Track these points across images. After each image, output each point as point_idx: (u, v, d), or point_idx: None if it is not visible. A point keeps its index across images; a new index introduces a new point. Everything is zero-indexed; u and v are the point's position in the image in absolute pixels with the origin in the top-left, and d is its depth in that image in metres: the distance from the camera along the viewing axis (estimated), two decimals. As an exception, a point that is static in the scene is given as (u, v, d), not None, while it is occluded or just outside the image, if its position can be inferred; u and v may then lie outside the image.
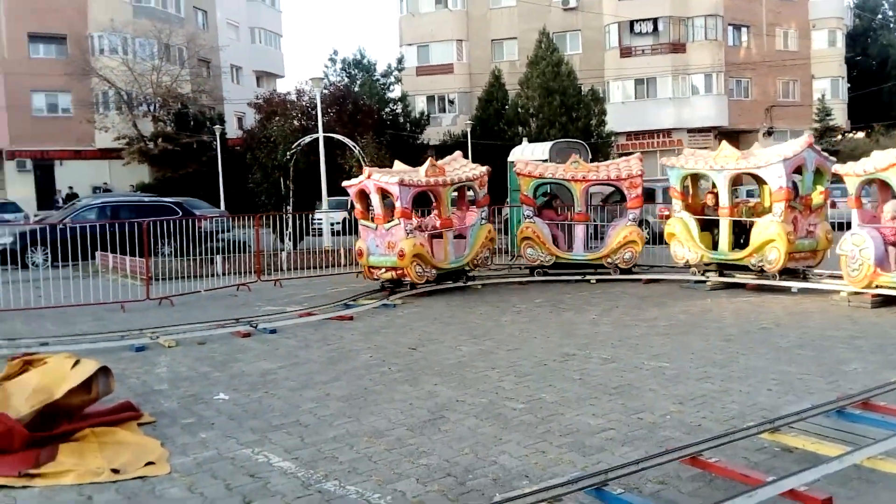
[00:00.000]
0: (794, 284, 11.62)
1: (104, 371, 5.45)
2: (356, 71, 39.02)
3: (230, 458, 4.87)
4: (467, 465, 4.66)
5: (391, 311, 10.84)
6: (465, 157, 34.55)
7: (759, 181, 12.78)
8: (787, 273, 11.84)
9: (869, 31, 51.14)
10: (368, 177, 12.39)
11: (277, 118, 22.12)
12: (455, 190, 13.63)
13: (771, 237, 11.53)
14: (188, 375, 7.20)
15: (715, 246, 12.49)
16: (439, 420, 5.58)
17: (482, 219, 13.52)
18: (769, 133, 41.73)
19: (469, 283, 13.39)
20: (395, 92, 40.93)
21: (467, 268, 13.45)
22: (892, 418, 4.91)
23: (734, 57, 42.06)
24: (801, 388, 6.19)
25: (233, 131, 41.02)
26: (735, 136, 40.09)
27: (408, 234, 12.17)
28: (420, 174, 12.84)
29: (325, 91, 28.90)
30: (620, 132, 39.21)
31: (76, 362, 5.44)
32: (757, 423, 4.89)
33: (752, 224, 12.08)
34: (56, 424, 5.20)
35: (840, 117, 43.52)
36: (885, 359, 7.12)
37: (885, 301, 10.04)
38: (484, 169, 13.85)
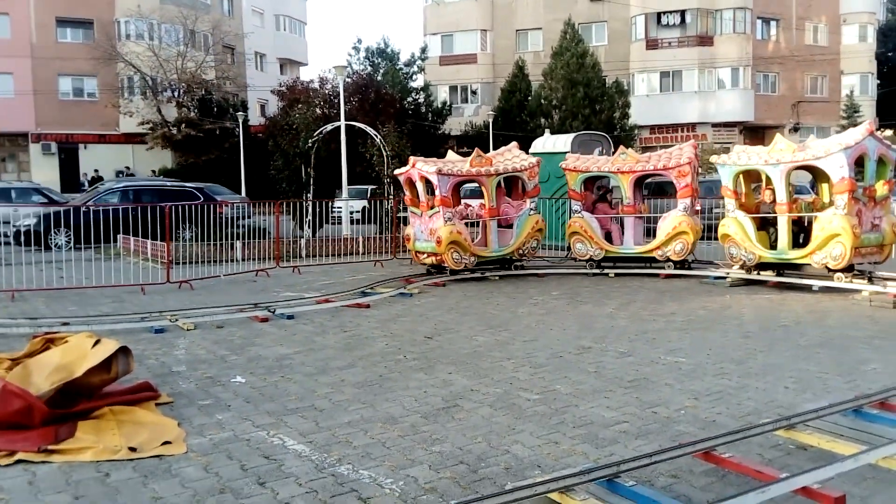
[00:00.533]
0: (816, 283, 11.48)
1: (124, 351, 5.53)
2: (379, 60, 39.03)
3: (246, 440, 4.93)
4: (480, 453, 4.67)
5: (408, 300, 10.87)
6: (486, 148, 34.70)
7: (818, 174, 12.23)
8: (850, 271, 11.08)
9: (901, 27, 50.25)
10: (413, 165, 12.93)
11: (300, 105, 22.14)
12: (506, 180, 13.89)
13: (835, 231, 10.83)
14: (206, 358, 7.28)
15: (773, 246, 11.88)
16: (453, 408, 5.60)
17: (531, 209, 13.63)
18: (795, 129, 41.20)
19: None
20: (418, 81, 40.95)
21: (514, 257, 13.63)
22: (910, 418, 4.86)
23: (762, 51, 41.52)
24: (819, 386, 6.14)
25: (255, 118, 41.26)
26: (760, 132, 39.67)
27: (446, 221, 12.57)
28: (465, 164, 13.17)
29: (348, 79, 28.94)
30: (644, 125, 38.91)
31: (97, 342, 5.52)
32: (773, 420, 4.86)
33: (811, 221, 11.46)
34: (75, 402, 5.28)
35: (868, 114, 42.81)
36: (907, 359, 7.04)
37: (907, 301, 9.93)
38: (534, 160, 13.97)
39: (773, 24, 42.23)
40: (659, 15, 40.40)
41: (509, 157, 13.87)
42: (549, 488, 3.75)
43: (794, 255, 11.53)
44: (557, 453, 4.67)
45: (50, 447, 4.69)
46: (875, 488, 4.12)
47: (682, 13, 40.19)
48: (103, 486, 4.24)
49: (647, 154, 14.40)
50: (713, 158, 12.94)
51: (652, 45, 40.81)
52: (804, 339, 7.94)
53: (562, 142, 18.45)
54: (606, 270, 13.58)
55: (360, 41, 41.05)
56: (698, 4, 39.78)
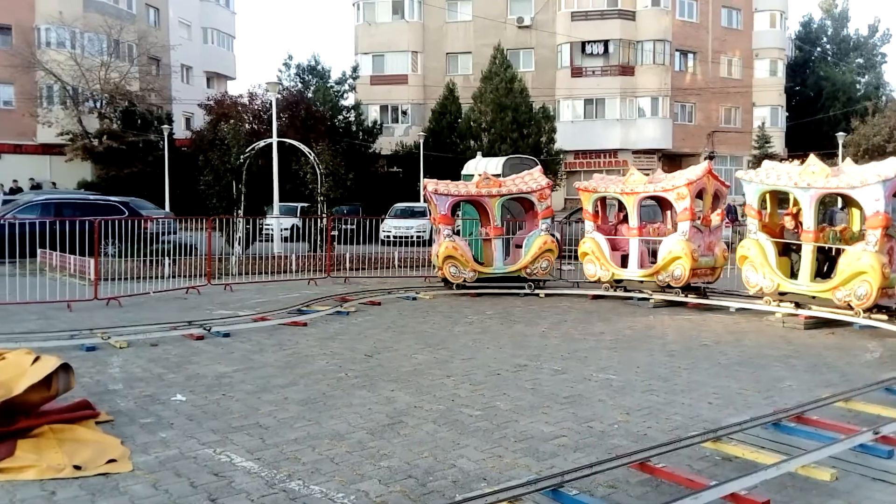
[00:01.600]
0: (733, 304, 12.11)
1: (64, 368, 5.45)
2: (310, 77, 39.00)
3: (192, 458, 4.94)
4: (427, 467, 4.83)
5: (345, 319, 10.93)
6: (417, 168, 34.94)
7: (850, 203, 11.37)
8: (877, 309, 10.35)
9: (808, 63, 53.28)
10: (424, 187, 14.41)
11: (231, 121, 21.94)
12: (521, 201, 14.68)
13: (862, 269, 10.05)
14: (142, 376, 7.19)
15: (794, 274, 11.21)
16: (398, 424, 5.73)
17: (543, 230, 14.05)
18: (710, 157, 43.00)
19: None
20: (349, 100, 41.01)
21: (521, 275, 14.11)
22: (823, 431, 5.27)
23: (680, 82, 43.37)
24: (740, 401, 6.54)
25: (180, 132, 40.44)
26: (678, 160, 41.31)
27: (445, 237, 13.71)
28: (471, 186, 14.31)
29: (279, 96, 28.79)
30: (569, 150, 39.99)
31: (36, 358, 5.42)
32: (700, 433, 5.19)
33: (838, 252, 10.74)
34: (14, 420, 5.17)
35: (778, 145, 45.15)
36: (818, 377, 7.55)
37: (816, 323, 10.58)
38: (544, 181, 14.45)
39: (690, 56, 44.20)
40: (584, 44, 41.76)
41: (520, 180, 14.45)
42: (499, 498, 3.93)
43: (817, 289, 10.73)
44: (501, 466, 4.86)
45: (-10, 466, 4.60)
46: (794, 495, 4.47)
47: (606, 43, 41.67)
48: (50, 504, 4.20)
49: (660, 175, 13.95)
50: (738, 174, 12.34)
51: (577, 72, 42.10)
52: (724, 358, 8.40)
53: (493, 164, 18.85)
54: (538, 291, 13.96)
55: (290, 57, 40.82)
56: (621, 35, 41.33)
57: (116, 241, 14.88)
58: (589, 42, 41.72)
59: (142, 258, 14.52)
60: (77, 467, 4.66)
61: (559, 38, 41.93)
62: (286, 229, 22.30)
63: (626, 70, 41.76)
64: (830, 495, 4.52)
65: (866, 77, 54.54)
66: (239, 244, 17.48)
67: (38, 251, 15.91)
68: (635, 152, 41.45)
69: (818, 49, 54.94)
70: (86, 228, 13.41)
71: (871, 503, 4.44)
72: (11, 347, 7.15)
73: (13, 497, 4.27)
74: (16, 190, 32.96)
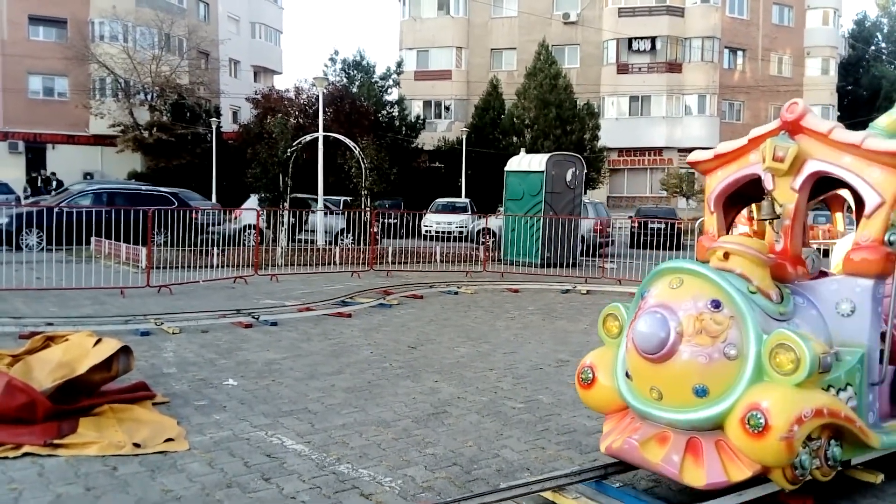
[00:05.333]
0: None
1: (125, 350, 5.67)
2: (355, 72, 39.33)
3: (245, 439, 5.11)
4: (471, 456, 4.93)
5: (388, 311, 11.09)
6: (458, 164, 35.01)
7: None
8: None
9: (862, 62, 52.06)
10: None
11: (279, 115, 22.30)
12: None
13: None
14: (195, 361, 7.42)
15: None
16: (442, 414, 5.84)
17: None
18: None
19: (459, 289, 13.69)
20: (393, 95, 41.28)
21: None
22: None
23: (728, 80, 42.74)
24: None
25: (228, 125, 41.18)
26: (725, 158, 40.70)
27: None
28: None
29: (325, 91, 29.16)
30: (613, 148, 39.74)
31: (98, 340, 5.66)
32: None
33: None
34: (76, 399, 5.40)
35: (828, 145, 44.30)
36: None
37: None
38: None
39: (739, 54, 43.52)
40: (630, 41, 41.41)
41: None
42: (544, 487, 4.02)
43: None
44: (544, 458, 4.94)
45: (55, 441, 4.82)
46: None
47: (653, 40, 41.26)
48: (112, 478, 4.39)
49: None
50: None
51: (623, 69, 41.77)
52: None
53: (537, 161, 18.89)
54: (579, 288, 13.95)
55: (336, 53, 41.38)
56: (669, 32, 40.87)
57: (165, 231, 15.27)
58: (636, 38, 41.37)
59: (191, 248, 14.87)
60: (136, 445, 4.86)
61: (605, 34, 41.63)
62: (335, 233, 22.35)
63: (674, 67, 41.31)
64: (877, 497, 4.50)
65: (923, 76, 53.08)
66: (285, 236, 17.79)
67: (93, 239, 16.38)
68: (680, 150, 40.98)
69: (872, 47, 53.61)
70: (139, 217, 13.80)
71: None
72: (71, 331, 7.45)
73: (77, 471, 4.49)
74: (46, 180, 33.48)
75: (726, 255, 4.13)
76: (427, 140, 40.09)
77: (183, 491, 4.23)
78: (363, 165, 18.73)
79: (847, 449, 3.97)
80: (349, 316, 10.42)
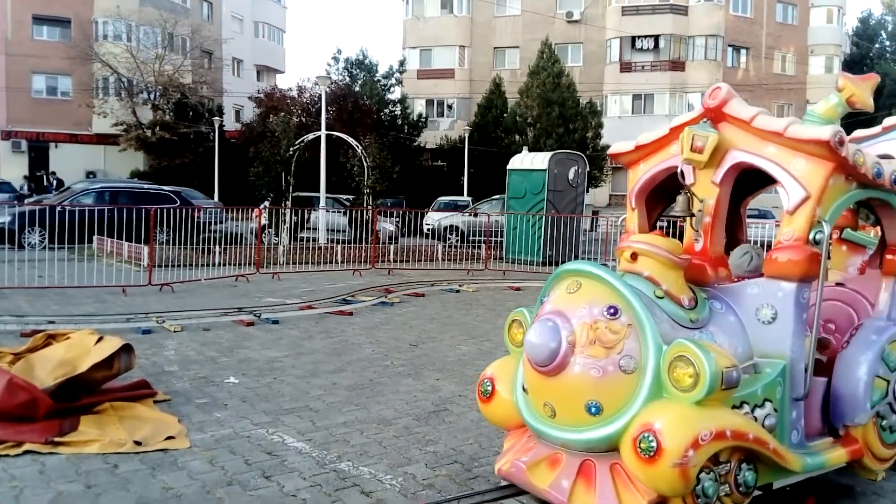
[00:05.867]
0: None
1: (126, 348, 5.68)
2: (358, 71, 39.33)
3: (246, 437, 5.11)
4: (472, 453, 4.92)
5: (389, 309, 11.08)
6: (461, 162, 34.98)
7: None
8: None
9: (866, 60, 51.92)
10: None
11: (282, 114, 22.32)
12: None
13: None
14: (197, 359, 7.42)
15: None
16: (443, 412, 5.84)
17: None
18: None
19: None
20: (395, 94, 41.29)
21: None
22: None
23: (732, 78, 42.62)
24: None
25: (230, 124, 41.19)
26: (728, 157, 40.65)
27: None
28: None
29: (328, 90, 29.19)
30: (616, 146, 39.66)
31: (99, 339, 5.66)
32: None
33: None
34: (77, 397, 5.41)
35: (832, 143, 44.19)
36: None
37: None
38: None
39: (743, 52, 43.44)
40: (633, 39, 41.35)
41: None
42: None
43: None
44: (545, 456, 4.93)
45: (56, 439, 4.83)
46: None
47: (656, 38, 41.19)
48: (113, 476, 4.40)
49: None
50: None
51: (626, 68, 41.72)
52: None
53: (539, 159, 18.87)
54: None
55: (339, 51, 41.32)
56: (672, 30, 40.81)
57: (167, 229, 15.27)
58: (639, 37, 41.30)
59: (193, 246, 14.88)
60: (137, 443, 4.87)
61: (609, 32, 41.58)
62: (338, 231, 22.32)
63: (677, 65, 41.24)
64: (877, 493, 4.49)
65: (927, 75, 52.92)
66: (286, 234, 17.79)
67: (95, 237, 16.40)
68: (683, 149, 40.89)
69: (877, 45, 53.49)
70: (141, 216, 13.81)
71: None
72: (73, 329, 7.46)
73: (78, 469, 4.49)
74: (35, 178, 33.31)
75: (634, 256, 3.78)
76: (429, 139, 40.08)
77: (184, 489, 4.23)
78: (366, 164, 18.73)
79: (764, 473, 3.57)
80: (351, 314, 10.42)
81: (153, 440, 4.93)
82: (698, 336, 3.54)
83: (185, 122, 36.10)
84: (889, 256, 4.35)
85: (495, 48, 44.74)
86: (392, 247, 17.30)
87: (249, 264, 14.92)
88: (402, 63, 41.34)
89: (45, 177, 34.86)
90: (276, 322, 9.52)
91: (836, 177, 3.72)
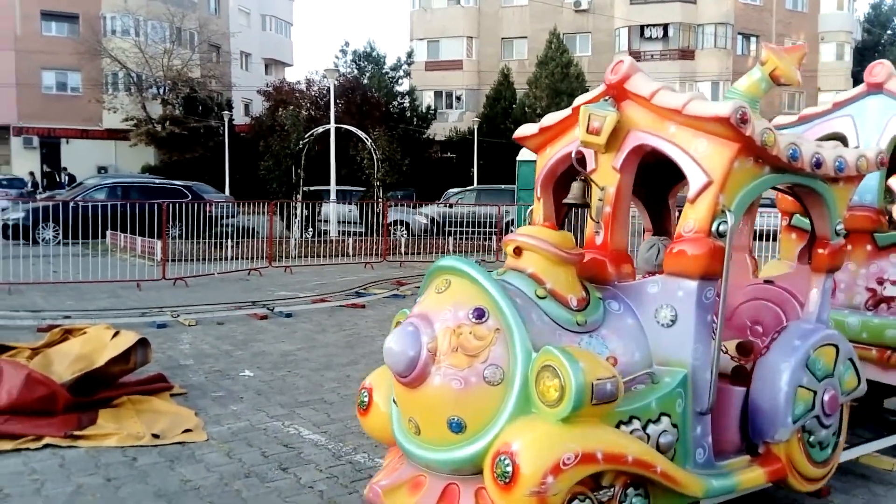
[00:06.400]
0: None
1: (142, 343, 5.73)
2: (366, 63, 39.32)
3: (262, 429, 5.16)
4: (487, 445, 4.94)
5: (402, 302, 11.10)
6: (470, 154, 34.95)
7: None
8: None
9: (878, 47, 51.50)
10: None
11: (291, 107, 22.36)
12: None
13: None
14: (211, 353, 7.48)
15: None
16: (457, 404, 5.86)
17: None
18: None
19: None
20: (404, 86, 41.24)
21: None
22: None
23: (742, 66, 42.30)
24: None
25: (239, 117, 41.29)
26: (739, 145, 40.48)
27: None
28: None
29: (336, 82, 29.20)
30: (625, 136, 39.53)
31: (116, 333, 5.72)
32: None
33: None
34: (95, 391, 5.47)
35: (843, 131, 43.93)
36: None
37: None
38: None
39: (753, 40, 43.13)
40: (642, 28, 41.12)
41: None
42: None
43: None
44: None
45: (75, 433, 4.89)
46: (856, 483, 4.45)
47: (665, 27, 40.95)
48: (132, 469, 4.45)
49: None
50: None
51: (634, 57, 41.19)
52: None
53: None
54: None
55: (347, 44, 41.41)
56: (681, 19, 40.55)
57: (180, 224, 15.35)
58: (648, 26, 41.05)
59: (205, 240, 14.96)
60: (155, 436, 4.92)
61: (617, 21, 41.35)
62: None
63: (686, 54, 40.99)
64: (893, 484, 4.50)
65: (939, 61, 52.49)
66: (300, 228, 17.86)
67: (108, 233, 16.50)
68: (693, 138, 40.73)
69: (889, 32, 53.01)
70: (153, 211, 13.88)
71: (937, 492, 4.40)
72: (89, 324, 7.53)
73: (98, 461, 4.54)
74: (47, 177, 33.38)
75: (518, 251, 3.37)
76: (438, 130, 40.02)
77: (201, 481, 4.28)
78: (375, 157, 18.75)
79: (659, 498, 3.12)
80: (363, 307, 10.46)
81: (171, 433, 4.98)
82: (586, 341, 3.17)
83: (195, 116, 36.22)
84: (820, 251, 3.89)
85: (503, 39, 44.58)
86: (403, 239, 17.31)
87: (262, 258, 14.99)
88: (409, 55, 41.29)
89: (55, 173, 35.07)
90: (289, 315, 9.57)
91: (742, 160, 3.28)
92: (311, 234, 18.19)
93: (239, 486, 4.23)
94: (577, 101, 3.68)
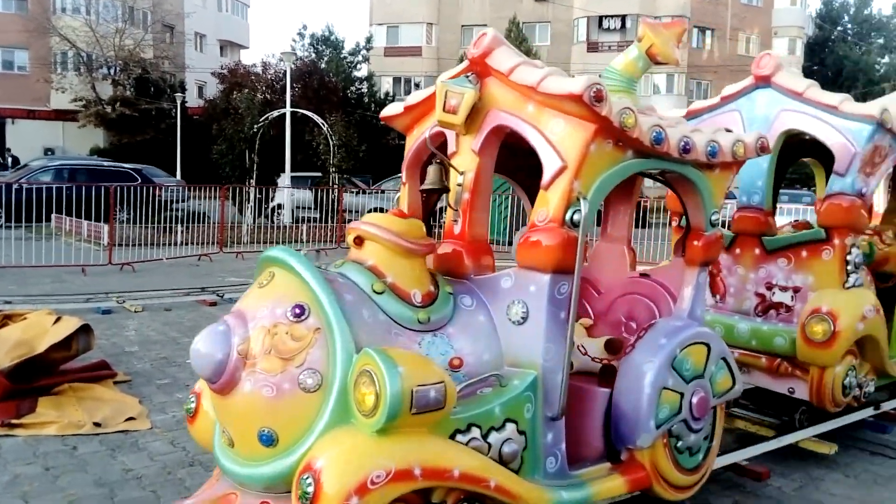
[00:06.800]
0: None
1: (85, 329, 5.59)
2: (324, 47, 38.86)
3: (208, 418, 5.07)
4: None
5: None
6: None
7: None
8: None
9: (828, 43, 52.69)
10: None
11: (245, 90, 21.99)
12: None
13: None
14: (158, 339, 7.34)
15: None
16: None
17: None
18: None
19: None
20: (362, 71, 40.88)
21: None
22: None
23: (697, 59, 42.99)
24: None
25: (193, 100, 40.48)
26: (692, 137, 41.12)
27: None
28: None
29: (293, 66, 28.76)
30: (582, 126, 39.86)
31: (57, 319, 5.57)
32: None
33: None
34: (36, 378, 5.32)
35: (793, 125, 44.91)
36: None
37: None
38: None
39: (708, 33, 43.77)
40: (601, 18, 41.41)
41: None
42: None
43: None
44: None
45: (13, 421, 4.76)
46: (796, 466, 4.58)
47: (623, 18, 41.30)
48: (72, 458, 4.35)
49: None
50: None
51: (593, 47, 41.79)
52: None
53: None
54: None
55: (305, 27, 40.89)
56: (639, 10, 40.91)
57: (129, 208, 15.02)
58: (606, 17, 41.35)
59: (154, 225, 14.67)
60: (97, 424, 4.82)
61: (576, 11, 41.57)
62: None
63: (643, 46, 41.43)
64: (829, 468, 4.64)
65: (887, 59, 53.90)
66: (251, 213, 17.62)
67: (53, 216, 16.07)
68: (649, 129, 41.24)
69: (839, 28, 54.28)
70: (100, 194, 13.55)
71: (868, 475, 4.55)
72: (30, 309, 7.32)
73: (36, 451, 4.43)
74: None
75: (359, 241, 3.05)
76: (397, 117, 39.78)
77: (144, 470, 4.21)
78: (332, 142, 18.57)
79: None
80: (316, 294, 10.35)
81: (113, 421, 4.88)
82: (428, 341, 2.91)
83: (147, 98, 35.37)
84: (695, 243, 3.61)
85: (463, 26, 44.45)
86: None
87: (213, 243, 14.76)
88: (368, 40, 40.92)
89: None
90: (239, 302, 9.43)
91: (599, 142, 2.98)
92: (265, 218, 17.96)
93: (182, 474, 4.17)
94: (442, 77, 3.32)
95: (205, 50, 47.50)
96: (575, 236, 2.96)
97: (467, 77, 3.17)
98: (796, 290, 4.75)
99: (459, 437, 2.72)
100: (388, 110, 3.77)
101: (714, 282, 4.98)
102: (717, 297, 5.08)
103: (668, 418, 3.32)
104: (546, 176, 3.00)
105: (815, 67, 50.88)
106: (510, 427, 2.86)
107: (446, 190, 3.35)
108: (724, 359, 3.58)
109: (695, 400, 3.41)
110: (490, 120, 3.18)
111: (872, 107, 4.49)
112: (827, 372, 4.51)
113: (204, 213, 16.54)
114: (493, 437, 2.81)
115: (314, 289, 2.69)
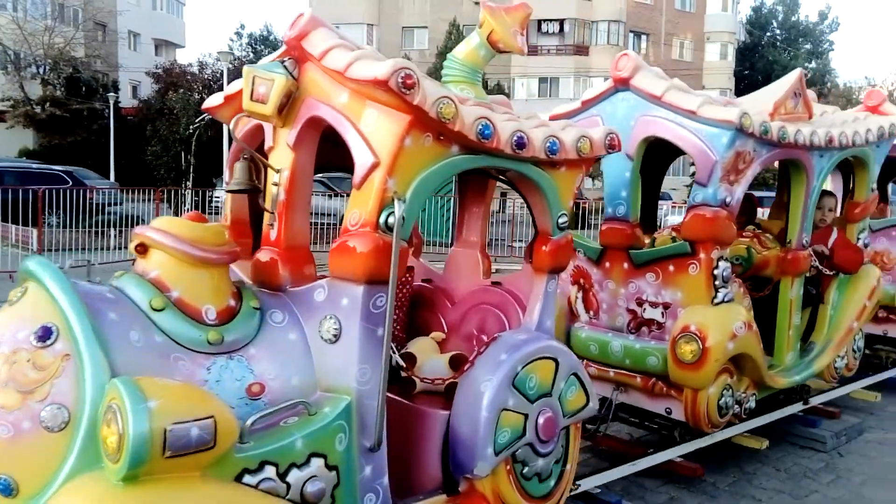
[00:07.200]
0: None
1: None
2: (262, 47, 38.48)
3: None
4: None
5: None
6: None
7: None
8: None
9: (758, 48, 54.43)
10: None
11: (181, 90, 21.53)
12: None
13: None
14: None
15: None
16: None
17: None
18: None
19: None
20: (302, 72, 40.47)
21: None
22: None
23: (633, 63, 43.92)
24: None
25: (126, 100, 39.45)
26: (630, 139, 41.97)
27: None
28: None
29: (230, 66, 28.34)
30: (523, 128, 40.29)
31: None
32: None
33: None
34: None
35: (726, 127, 46.22)
36: None
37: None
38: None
39: (643, 38, 44.78)
40: (539, 22, 41.94)
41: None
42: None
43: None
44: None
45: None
46: (728, 462, 4.67)
47: (561, 22, 41.94)
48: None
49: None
50: None
51: (532, 51, 42.28)
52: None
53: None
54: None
55: (242, 27, 40.28)
56: (576, 14, 41.64)
57: (60, 212, 14.55)
58: (545, 21, 41.90)
59: (87, 229, 14.22)
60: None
61: (515, 15, 42.02)
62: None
63: (581, 50, 42.11)
64: (761, 462, 4.76)
65: (814, 63, 55.96)
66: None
67: (-22, 220, 15.44)
68: (588, 132, 41.94)
69: (768, 34, 56.12)
70: (28, 197, 13.08)
71: (799, 468, 4.69)
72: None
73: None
74: None
75: (142, 249, 2.64)
76: (338, 118, 39.56)
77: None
78: (270, 144, 18.33)
79: None
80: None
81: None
82: (220, 365, 2.51)
83: (78, 97, 34.28)
84: (543, 248, 3.27)
85: (404, 28, 44.47)
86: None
87: (148, 247, 14.36)
88: (308, 41, 40.55)
89: None
90: (175, 307, 9.21)
91: (416, 135, 2.62)
92: None
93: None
94: (262, 62, 2.95)
95: (139, 49, 46.36)
96: (388, 240, 2.61)
97: (283, 62, 2.79)
98: (666, 306, 4.43)
99: (248, 479, 2.31)
100: (210, 101, 3.45)
101: (587, 297, 4.85)
102: (591, 312, 4.85)
103: (510, 443, 2.98)
104: (358, 173, 2.66)
105: (746, 72, 52.53)
106: (316, 462, 2.48)
107: (257, 190, 2.99)
108: (575, 374, 3.22)
109: (541, 421, 3.06)
110: (305, 110, 2.82)
111: (731, 111, 4.08)
112: (700, 394, 4.20)
113: (138, 217, 16.12)
114: (294, 476, 2.41)
115: (62, 307, 2.28)
